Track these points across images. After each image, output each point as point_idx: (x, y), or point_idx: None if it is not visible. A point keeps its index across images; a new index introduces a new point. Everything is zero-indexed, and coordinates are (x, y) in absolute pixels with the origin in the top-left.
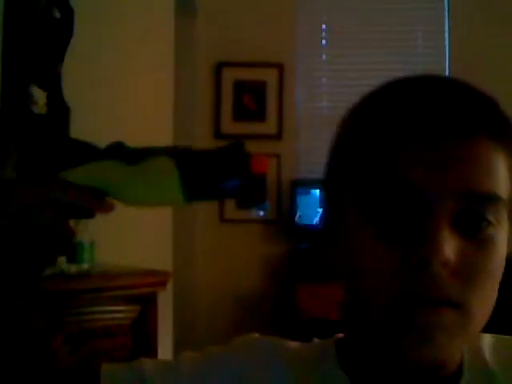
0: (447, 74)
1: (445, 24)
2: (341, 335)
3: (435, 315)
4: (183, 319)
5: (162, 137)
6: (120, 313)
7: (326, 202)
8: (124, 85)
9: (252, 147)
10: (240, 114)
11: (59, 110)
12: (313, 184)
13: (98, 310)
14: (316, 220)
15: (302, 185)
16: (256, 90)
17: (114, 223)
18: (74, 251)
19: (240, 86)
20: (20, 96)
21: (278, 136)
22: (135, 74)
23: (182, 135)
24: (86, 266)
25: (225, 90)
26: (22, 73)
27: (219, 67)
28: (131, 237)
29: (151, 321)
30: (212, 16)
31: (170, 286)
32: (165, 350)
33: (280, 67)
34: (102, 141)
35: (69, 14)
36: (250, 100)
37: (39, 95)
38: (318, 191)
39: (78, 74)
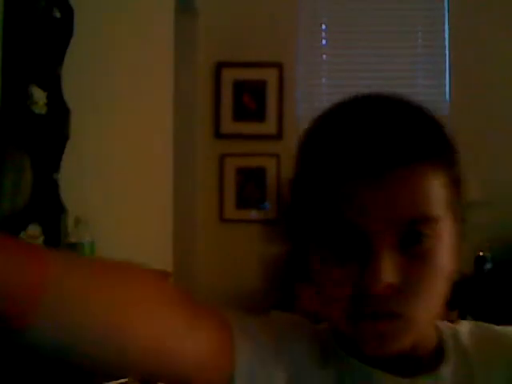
0: (447, 73)
1: (445, 24)
2: None
3: (379, 326)
4: None
5: (162, 137)
6: None
7: (290, 239)
8: (124, 85)
9: (252, 147)
10: (240, 113)
11: (59, 110)
12: None
13: None
14: None
15: None
16: (256, 90)
17: (114, 223)
18: (73, 251)
19: (240, 86)
20: (20, 96)
21: (278, 136)
22: (135, 74)
23: (182, 135)
24: None
25: (225, 89)
26: (22, 73)
27: (219, 67)
28: (131, 237)
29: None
30: (212, 16)
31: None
32: None
33: (280, 67)
34: (102, 141)
35: (69, 14)
36: (250, 100)
37: (39, 95)
38: None
39: (78, 74)
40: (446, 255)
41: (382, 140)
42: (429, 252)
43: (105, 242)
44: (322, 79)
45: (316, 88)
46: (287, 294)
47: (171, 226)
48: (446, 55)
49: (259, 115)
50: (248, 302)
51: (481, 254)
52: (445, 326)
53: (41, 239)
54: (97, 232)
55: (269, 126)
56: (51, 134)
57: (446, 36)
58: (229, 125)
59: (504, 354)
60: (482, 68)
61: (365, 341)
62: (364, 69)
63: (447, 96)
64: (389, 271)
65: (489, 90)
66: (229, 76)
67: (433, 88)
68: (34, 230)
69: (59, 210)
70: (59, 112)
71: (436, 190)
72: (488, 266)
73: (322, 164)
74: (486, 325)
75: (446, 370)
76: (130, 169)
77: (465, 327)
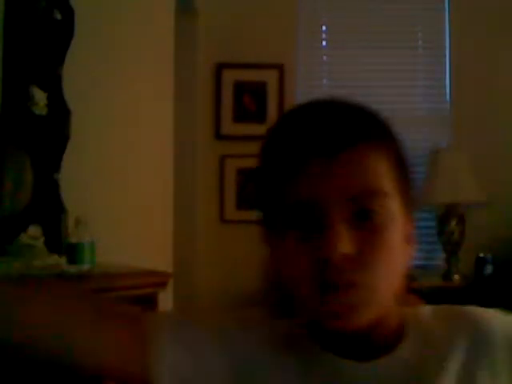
0: (447, 74)
1: (445, 24)
2: None
3: (342, 296)
4: None
5: (163, 137)
6: None
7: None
8: (124, 85)
9: (252, 148)
10: (240, 114)
11: (60, 110)
12: None
13: None
14: None
15: None
16: (256, 91)
17: (114, 224)
18: (74, 252)
19: (240, 87)
20: (21, 97)
21: None
22: (135, 75)
23: (182, 136)
24: (86, 266)
25: (225, 90)
26: (22, 74)
27: (219, 68)
28: (131, 237)
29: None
30: (212, 16)
31: (170, 286)
32: None
33: (280, 68)
34: (102, 141)
35: (69, 14)
36: (251, 101)
37: (40, 96)
38: None
39: (79, 75)
40: (396, 231)
41: (332, 126)
42: (380, 226)
43: (105, 242)
44: (322, 80)
45: (316, 89)
46: (287, 294)
47: (171, 226)
48: (446, 55)
49: (259, 116)
50: (248, 303)
51: (481, 255)
52: (407, 309)
53: (41, 240)
54: (97, 232)
55: (269, 127)
56: (51, 134)
57: (446, 36)
58: (229, 126)
59: (464, 327)
60: (482, 68)
61: (329, 314)
62: (364, 69)
63: (447, 96)
64: (344, 242)
65: (489, 90)
66: (229, 77)
67: (433, 88)
68: (34, 231)
69: (59, 210)
70: (60, 113)
71: (381, 168)
72: (489, 267)
73: (282, 149)
74: (449, 305)
75: (404, 350)
76: (130, 169)
77: (427, 309)
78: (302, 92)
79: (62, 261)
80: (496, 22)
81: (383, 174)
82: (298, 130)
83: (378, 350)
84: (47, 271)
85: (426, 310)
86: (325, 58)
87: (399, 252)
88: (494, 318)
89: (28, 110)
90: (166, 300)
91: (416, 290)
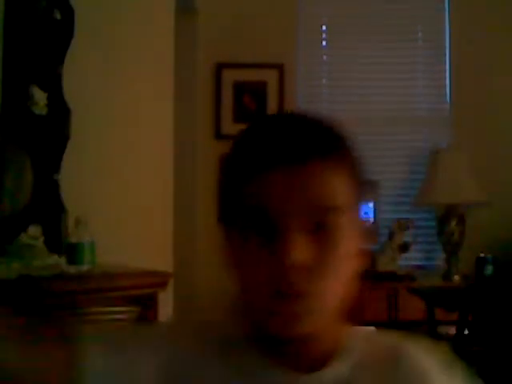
0: (447, 74)
1: (445, 24)
2: None
3: (292, 304)
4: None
5: (163, 138)
6: (120, 313)
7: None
8: (124, 85)
9: None
10: (240, 114)
11: (60, 110)
12: None
13: (99, 311)
14: None
15: None
16: (256, 91)
17: (114, 224)
18: (74, 252)
19: (240, 87)
20: (21, 97)
21: None
22: (135, 75)
23: (182, 136)
24: (86, 266)
25: (225, 90)
26: (22, 73)
27: (219, 68)
28: (131, 237)
29: (151, 321)
30: (212, 16)
31: (170, 286)
32: None
33: (280, 68)
34: (102, 141)
35: (69, 14)
36: (251, 101)
37: (40, 96)
38: None
39: (79, 75)
40: (346, 245)
41: (295, 138)
42: (332, 240)
43: (105, 242)
44: (322, 80)
45: (316, 89)
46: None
47: (171, 226)
48: (446, 55)
49: (259, 116)
50: None
51: (481, 255)
52: (347, 327)
53: (41, 239)
54: (97, 232)
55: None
56: (51, 134)
57: (446, 36)
58: (229, 126)
59: (395, 362)
60: (482, 68)
61: (277, 321)
62: (364, 69)
63: (447, 96)
64: (299, 250)
65: (489, 90)
66: (229, 77)
67: (433, 88)
68: (34, 231)
69: (59, 210)
70: (60, 112)
71: (339, 184)
72: (489, 267)
73: (246, 154)
74: (389, 332)
75: (334, 369)
76: (130, 169)
77: (366, 331)
78: (301, 92)
79: (62, 261)
80: (496, 22)
81: (340, 190)
82: (262, 138)
83: (314, 364)
84: (47, 271)
85: (365, 332)
86: (325, 57)
87: (348, 265)
88: (428, 361)
89: (28, 109)
90: (166, 300)
91: (416, 289)
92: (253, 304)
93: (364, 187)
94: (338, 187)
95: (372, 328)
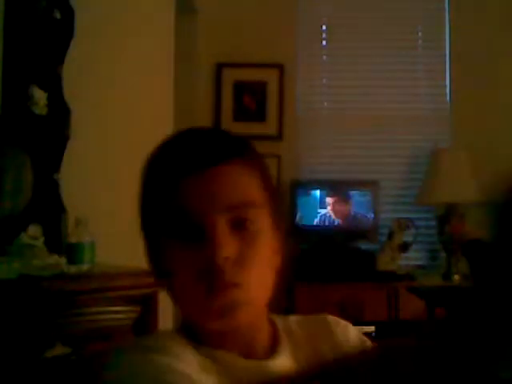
0: (447, 73)
1: (445, 24)
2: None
3: (224, 295)
4: None
5: (163, 137)
6: (120, 313)
7: (146, 241)
8: (124, 85)
9: None
10: (240, 114)
11: (60, 110)
12: (313, 185)
13: (99, 311)
14: (316, 220)
15: (302, 185)
16: (256, 91)
17: (114, 223)
18: (74, 252)
19: (240, 87)
20: (20, 97)
21: (278, 136)
22: (135, 74)
23: None
24: (86, 266)
25: (225, 90)
26: (22, 73)
27: (219, 68)
28: (131, 237)
29: (152, 321)
30: (212, 16)
31: None
32: None
33: (280, 67)
34: (103, 141)
35: (69, 14)
36: (250, 100)
37: (40, 96)
38: (318, 192)
39: (79, 75)
40: (267, 239)
41: (202, 146)
42: (254, 233)
43: (105, 242)
44: (322, 80)
45: (316, 88)
46: (286, 294)
47: None
48: (446, 55)
49: (259, 116)
50: None
51: None
52: (276, 317)
53: (41, 239)
54: (97, 232)
55: (269, 127)
56: (51, 134)
57: (447, 36)
58: (229, 125)
59: (324, 335)
60: (482, 68)
61: (214, 313)
62: (364, 69)
63: (447, 96)
64: (226, 246)
65: (489, 90)
66: (229, 77)
67: (433, 88)
68: (34, 231)
69: (59, 210)
70: (60, 112)
71: (251, 183)
72: None
73: (160, 168)
74: (311, 315)
75: (283, 354)
76: (131, 169)
77: (293, 318)
78: (301, 92)
79: (62, 261)
80: (496, 22)
81: (254, 188)
82: (174, 149)
83: (263, 352)
84: (47, 271)
85: (293, 320)
86: (325, 57)
87: (269, 260)
88: (348, 327)
89: (28, 109)
90: (166, 300)
91: (416, 289)
92: (188, 304)
93: (275, 190)
94: (248, 185)
95: (293, 316)
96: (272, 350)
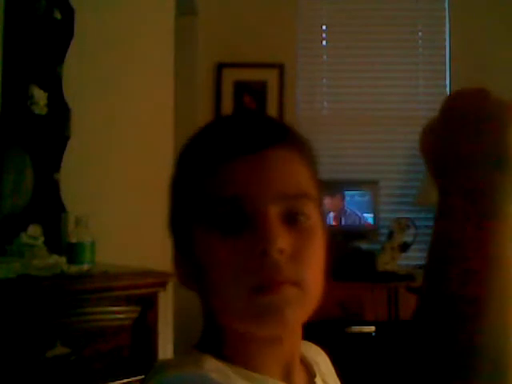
0: (447, 74)
1: (445, 24)
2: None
3: (280, 293)
4: (183, 319)
5: (163, 137)
6: (120, 313)
7: (174, 233)
8: (124, 85)
9: None
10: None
11: (60, 110)
12: None
13: (99, 311)
14: None
15: None
16: (256, 91)
17: (115, 223)
18: (74, 252)
19: (240, 87)
20: (20, 96)
21: None
22: (135, 75)
23: (182, 136)
24: (86, 266)
25: (225, 90)
26: (22, 73)
27: (219, 68)
28: (131, 237)
29: (152, 321)
30: (212, 16)
31: (170, 286)
32: (165, 350)
33: (280, 67)
34: (103, 141)
35: (69, 14)
36: (251, 100)
37: (40, 96)
38: None
39: (78, 75)
40: (319, 233)
41: (255, 128)
42: (309, 229)
43: (105, 242)
44: (322, 79)
45: (316, 88)
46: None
47: None
48: (446, 55)
49: None
50: None
51: None
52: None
53: (41, 239)
54: (97, 232)
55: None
56: (52, 134)
57: (447, 36)
58: None
59: (329, 368)
60: (482, 68)
61: (260, 314)
62: (364, 69)
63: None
64: (281, 237)
65: (489, 90)
66: (229, 77)
67: (433, 88)
68: (34, 230)
69: (59, 210)
70: (60, 112)
71: (301, 172)
72: None
73: (204, 154)
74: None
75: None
76: (131, 169)
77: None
78: (301, 92)
79: (62, 261)
80: (496, 22)
81: (308, 178)
82: (220, 132)
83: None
84: (47, 271)
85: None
86: (325, 57)
87: (322, 259)
88: (326, 358)
89: (28, 109)
90: (166, 300)
91: (416, 289)
92: (229, 302)
93: (322, 184)
94: (302, 174)
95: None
96: (308, 375)
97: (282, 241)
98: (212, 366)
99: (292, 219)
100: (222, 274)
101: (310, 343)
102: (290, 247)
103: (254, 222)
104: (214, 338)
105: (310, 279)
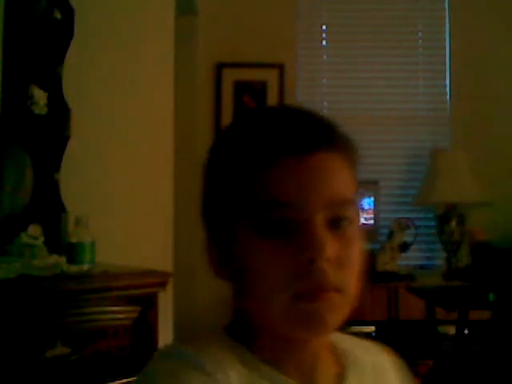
0: (447, 73)
1: (445, 24)
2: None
3: (326, 300)
4: (183, 320)
5: (163, 137)
6: (120, 313)
7: (209, 224)
8: (124, 85)
9: None
10: (240, 114)
11: (60, 110)
12: None
13: (99, 311)
14: None
15: None
16: (256, 91)
17: (115, 223)
18: (74, 252)
19: (240, 87)
20: (20, 96)
21: None
22: (135, 74)
23: (182, 136)
24: (86, 266)
25: (225, 90)
26: (22, 73)
27: (219, 67)
28: (131, 237)
29: (152, 321)
30: (212, 16)
31: (170, 286)
32: None
33: (280, 67)
34: (102, 141)
35: (69, 14)
36: (251, 100)
37: (40, 95)
38: None
39: (79, 75)
40: (359, 239)
41: (304, 127)
42: (352, 236)
43: (105, 242)
44: (322, 80)
45: (316, 88)
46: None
47: (172, 226)
48: (446, 55)
49: None
50: None
51: None
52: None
53: (41, 239)
54: (97, 232)
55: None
56: (52, 134)
57: (447, 36)
58: None
59: (369, 359)
60: (482, 68)
61: (307, 320)
62: (364, 69)
63: (447, 96)
64: (327, 246)
65: (489, 91)
66: (229, 76)
67: (433, 88)
68: (34, 230)
69: (59, 209)
70: (60, 112)
71: (347, 176)
72: None
73: (247, 149)
74: (361, 337)
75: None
76: (131, 169)
77: (343, 337)
78: (301, 92)
79: (62, 261)
80: (496, 22)
81: (352, 184)
82: (270, 127)
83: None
84: (47, 271)
85: (343, 339)
86: (325, 57)
87: (361, 266)
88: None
89: (28, 109)
90: (166, 300)
91: (416, 289)
92: (270, 309)
93: (359, 184)
94: (348, 180)
95: (340, 335)
96: (338, 378)
97: (329, 249)
98: (210, 361)
99: (336, 224)
100: (266, 276)
101: (370, 343)
102: (335, 253)
103: (303, 229)
104: (245, 330)
105: (352, 285)
